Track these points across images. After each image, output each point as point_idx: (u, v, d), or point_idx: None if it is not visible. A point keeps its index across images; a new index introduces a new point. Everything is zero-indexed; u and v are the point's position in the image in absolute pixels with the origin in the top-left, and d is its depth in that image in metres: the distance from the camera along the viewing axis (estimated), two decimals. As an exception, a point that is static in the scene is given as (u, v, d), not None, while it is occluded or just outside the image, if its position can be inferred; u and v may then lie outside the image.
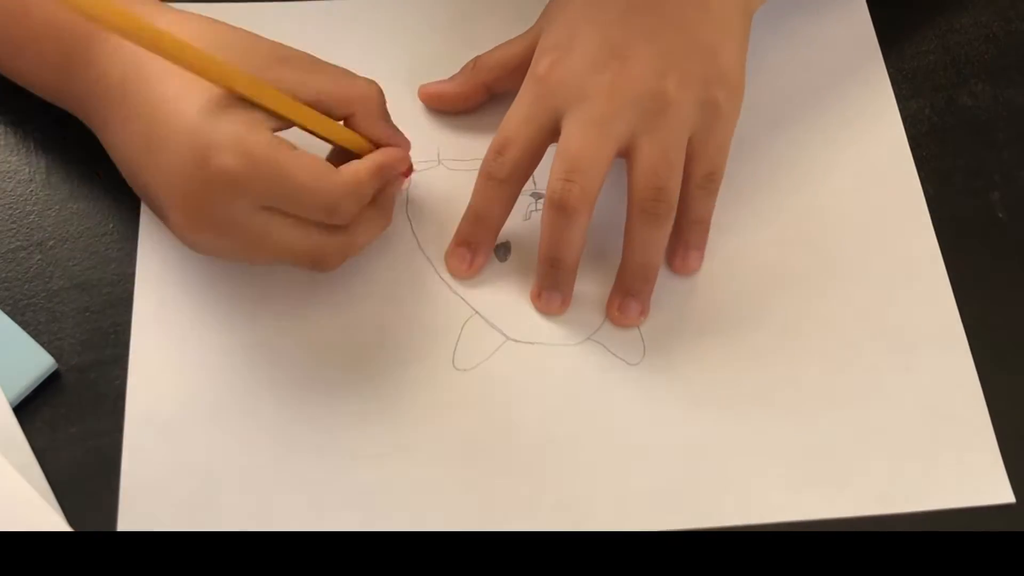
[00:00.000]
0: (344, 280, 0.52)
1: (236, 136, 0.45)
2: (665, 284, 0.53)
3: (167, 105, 0.46)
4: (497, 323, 0.52)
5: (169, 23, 0.46)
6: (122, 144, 0.48)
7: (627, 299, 0.51)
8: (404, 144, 0.51)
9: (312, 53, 0.48)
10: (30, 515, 0.45)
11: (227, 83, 0.45)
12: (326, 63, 0.49)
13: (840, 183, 0.56)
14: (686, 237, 0.52)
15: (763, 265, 0.54)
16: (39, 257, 0.52)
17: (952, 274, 0.54)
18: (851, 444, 0.50)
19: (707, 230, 0.52)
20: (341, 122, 0.49)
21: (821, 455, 0.50)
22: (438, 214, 0.54)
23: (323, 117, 0.48)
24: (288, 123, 0.47)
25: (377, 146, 0.50)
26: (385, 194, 0.50)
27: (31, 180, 0.54)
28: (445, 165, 0.55)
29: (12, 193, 0.53)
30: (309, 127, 0.48)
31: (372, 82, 0.50)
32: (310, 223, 0.47)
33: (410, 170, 0.52)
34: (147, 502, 0.47)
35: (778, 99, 0.58)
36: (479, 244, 0.52)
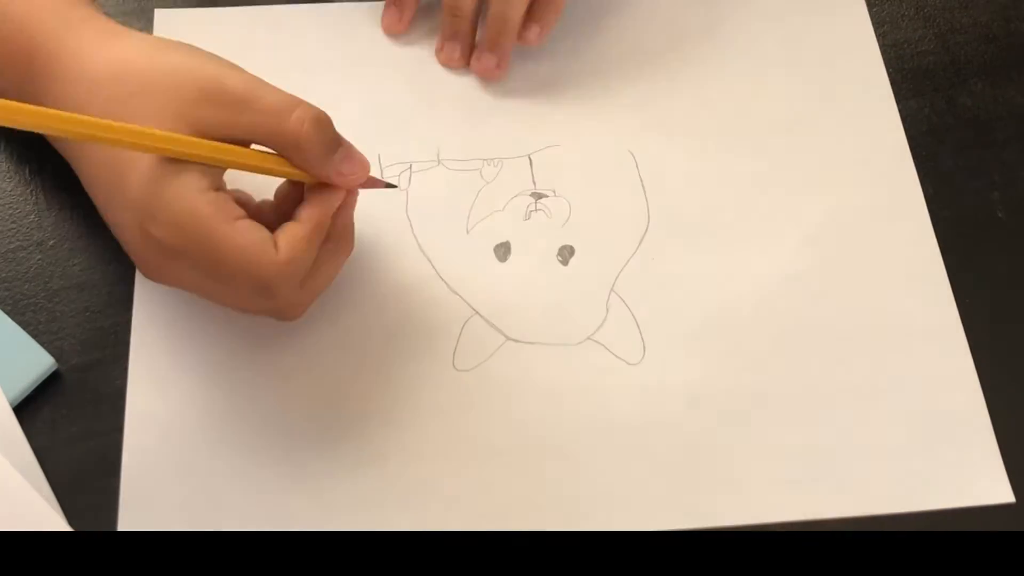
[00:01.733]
0: (344, 280, 0.52)
1: (172, 208, 0.43)
2: (665, 284, 0.53)
3: (109, 167, 0.45)
4: (497, 323, 0.52)
5: (93, 41, 0.45)
6: (88, 183, 0.48)
7: (484, 52, 0.56)
8: (350, 182, 0.46)
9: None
10: (30, 515, 0.45)
11: (153, 150, 0.43)
12: (266, 92, 0.44)
13: (840, 183, 0.56)
14: (537, 14, 0.56)
15: (763, 265, 0.54)
16: (39, 257, 0.52)
17: (952, 274, 0.54)
18: (851, 444, 0.50)
19: (556, 12, 0.56)
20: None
21: (821, 455, 0.50)
22: (438, 214, 0.54)
23: (260, 154, 0.45)
24: (224, 168, 0.45)
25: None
26: (340, 224, 0.47)
27: (31, 180, 0.54)
28: (445, 165, 0.55)
29: (12, 193, 0.53)
30: (249, 168, 0.45)
31: (309, 116, 0.44)
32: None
33: (372, 182, 0.49)
34: (147, 502, 0.47)
35: (778, 99, 0.58)
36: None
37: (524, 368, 0.51)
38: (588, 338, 0.52)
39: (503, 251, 0.53)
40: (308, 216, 0.46)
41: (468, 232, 0.54)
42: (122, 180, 0.44)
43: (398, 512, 0.48)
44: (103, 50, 0.46)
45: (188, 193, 0.43)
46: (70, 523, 0.46)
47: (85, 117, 0.42)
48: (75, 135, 0.42)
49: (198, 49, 0.46)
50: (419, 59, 0.58)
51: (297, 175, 0.46)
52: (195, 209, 0.43)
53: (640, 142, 0.56)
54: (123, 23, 0.48)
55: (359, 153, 0.47)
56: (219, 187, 0.45)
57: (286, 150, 0.45)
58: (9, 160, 0.54)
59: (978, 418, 0.51)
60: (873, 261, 0.54)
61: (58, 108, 0.42)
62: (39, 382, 0.49)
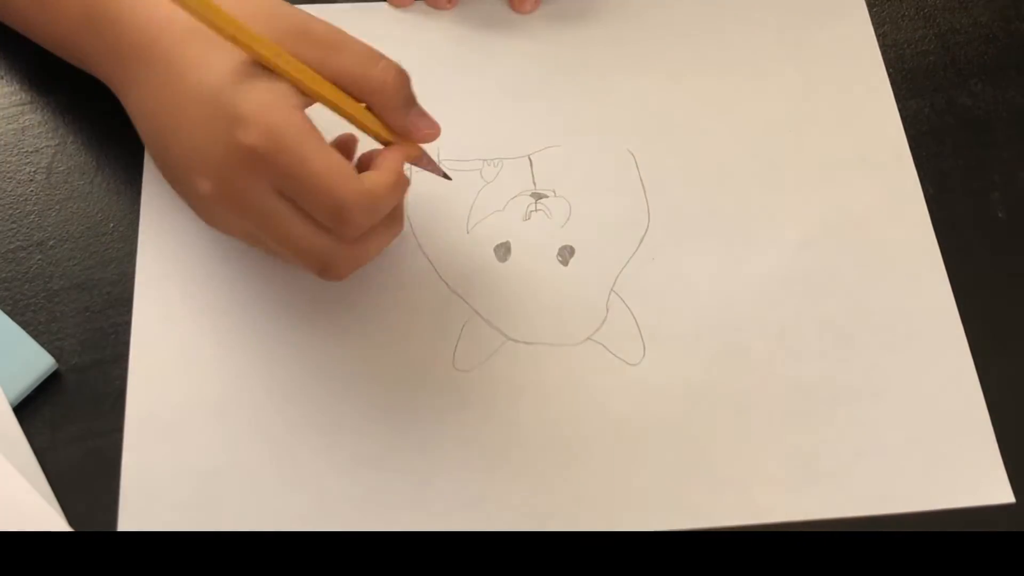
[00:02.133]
0: (344, 281, 0.52)
1: (263, 111, 0.43)
2: (665, 284, 0.53)
3: (191, 70, 0.44)
4: (497, 323, 0.52)
5: None
6: (144, 106, 0.47)
7: None
8: (425, 136, 0.48)
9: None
10: (30, 515, 0.45)
11: (255, 50, 0.43)
12: (351, 40, 0.46)
13: (840, 183, 0.56)
14: None
15: (763, 265, 0.54)
16: (39, 257, 0.52)
17: (952, 274, 0.54)
18: (851, 444, 0.50)
19: None
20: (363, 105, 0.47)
21: (821, 455, 0.50)
22: (438, 214, 0.54)
23: (346, 97, 0.46)
24: (310, 100, 0.45)
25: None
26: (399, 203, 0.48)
27: (31, 180, 0.54)
28: (445, 165, 0.55)
29: (12, 193, 0.53)
30: (331, 106, 0.46)
31: (393, 67, 0.46)
32: (321, 225, 0.45)
33: (428, 164, 0.50)
34: (147, 502, 0.47)
35: (778, 99, 0.58)
36: None
37: (524, 368, 0.51)
38: (588, 338, 0.52)
39: (503, 251, 0.53)
40: (390, 165, 0.46)
41: (468, 232, 0.54)
42: (198, 78, 0.44)
43: (398, 512, 0.48)
44: None
45: (283, 102, 0.43)
46: (70, 523, 0.46)
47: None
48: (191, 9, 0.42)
49: None
50: (419, 60, 0.57)
51: (375, 127, 0.47)
52: (289, 117, 0.43)
53: (640, 142, 0.56)
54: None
55: (430, 115, 0.48)
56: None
57: (370, 95, 0.46)
58: (10, 160, 0.54)
59: (978, 418, 0.51)
60: (873, 261, 0.54)
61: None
62: (39, 382, 0.49)
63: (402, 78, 0.46)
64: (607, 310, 0.52)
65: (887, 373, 0.51)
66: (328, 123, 0.46)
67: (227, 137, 0.43)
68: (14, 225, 0.52)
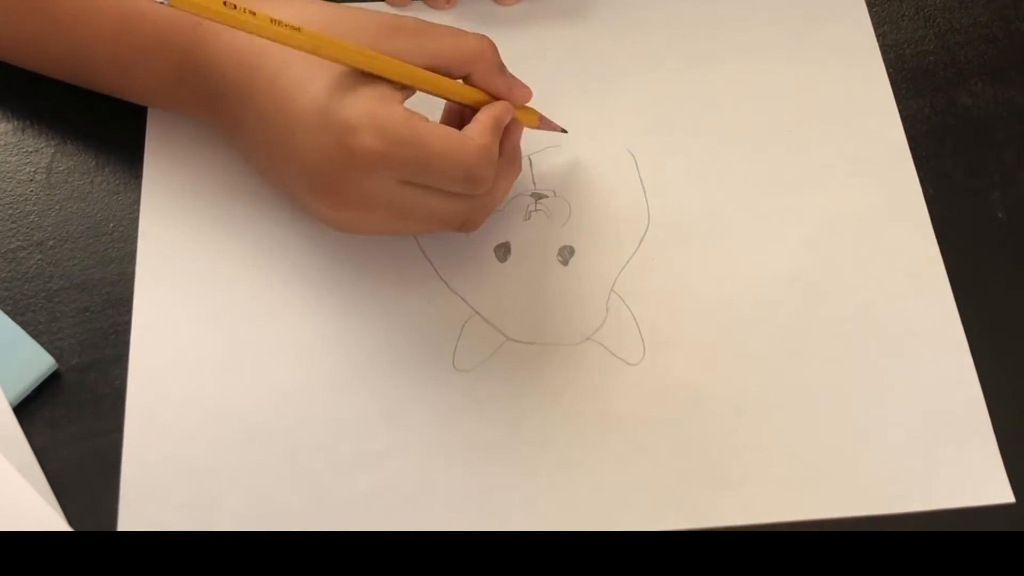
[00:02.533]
0: (344, 281, 0.52)
1: (371, 114, 0.45)
2: (665, 284, 0.53)
3: (295, 92, 0.46)
4: (497, 323, 0.52)
5: (274, 10, 0.45)
6: (253, 139, 0.49)
7: None
8: (524, 93, 0.51)
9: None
10: (30, 515, 0.45)
11: (347, 61, 0.45)
12: (435, 25, 0.49)
13: (840, 183, 0.56)
14: None
15: (763, 265, 0.54)
16: (39, 257, 0.52)
17: (952, 274, 0.54)
18: (851, 444, 0.50)
19: None
20: (459, 81, 0.49)
21: (821, 455, 0.50)
22: (438, 214, 0.54)
23: (444, 79, 0.48)
24: (412, 90, 0.48)
25: (496, 100, 0.50)
26: (511, 143, 0.50)
27: (31, 180, 0.54)
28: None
29: (12, 193, 0.53)
30: (431, 90, 0.48)
31: (483, 37, 0.49)
32: (451, 192, 0.47)
33: (547, 124, 0.53)
34: (147, 502, 0.47)
35: (778, 99, 0.58)
36: None
37: (524, 368, 0.51)
38: (588, 338, 0.52)
39: (503, 251, 0.53)
40: (486, 116, 0.48)
41: (468, 232, 0.54)
42: (304, 98, 0.46)
43: (398, 512, 0.48)
44: (278, 9, 0.45)
45: (386, 98, 0.46)
46: (70, 523, 0.46)
47: (298, 29, 0.44)
48: (283, 39, 0.43)
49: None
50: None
51: (472, 95, 0.49)
52: (393, 112, 0.45)
53: (640, 142, 0.56)
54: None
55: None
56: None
57: (469, 65, 0.49)
58: (10, 160, 0.54)
59: (978, 418, 0.51)
60: (873, 261, 0.54)
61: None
62: (39, 382, 0.49)
63: (493, 45, 0.50)
64: (607, 310, 0.52)
65: (887, 373, 0.51)
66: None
67: (342, 148, 0.45)
68: (14, 225, 0.52)
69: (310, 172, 0.47)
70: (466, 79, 0.49)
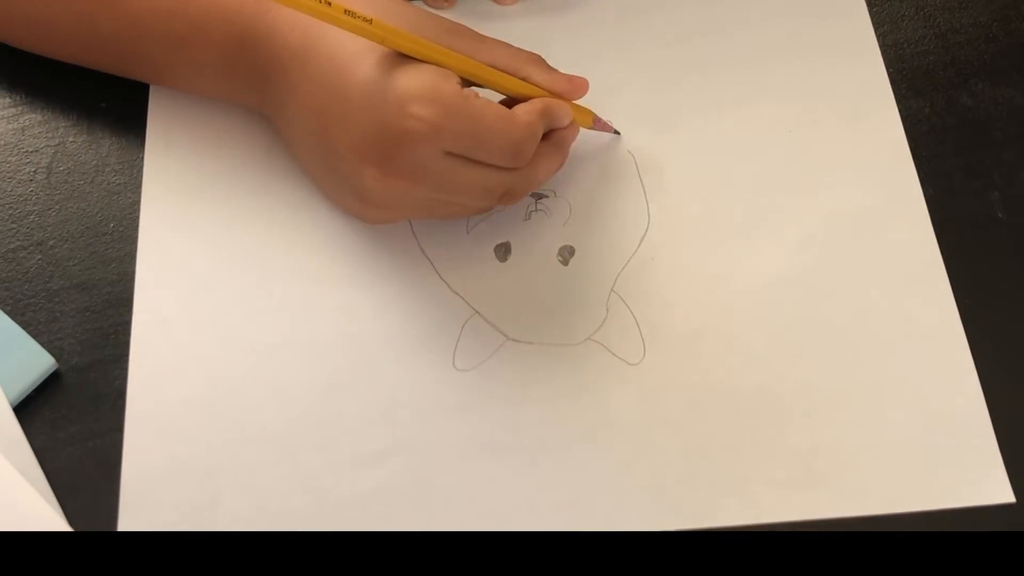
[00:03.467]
0: (344, 280, 0.52)
1: (429, 85, 0.46)
2: (665, 284, 0.53)
3: (355, 60, 0.47)
4: (497, 323, 0.52)
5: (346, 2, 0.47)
6: (306, 107, 0.49)
7: None
8: (582, 84, 0.52)
9: None
10: (30, 515, 0.45)
11: (415, 54, 0.47)
12: (490, 37, 0.51)
13: (840, 183, 0.56)
14: None
15: (763, 265, 0.54)
16: (39, 257, 0.52)
17: (952, 274, 0.54)
18: (851, 444, 0.50)
19: None
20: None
21: (821, 455, 0.50)
22: (438, 214, 0.54)
23: (505, 75, 0.50)
24: (469, 82, 0.49)
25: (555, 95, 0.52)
26: (561, 134, 0.52)
27: (31, 180, 0.54)
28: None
29: (12, 193, 0.53)
30: (492, 85, 0.50)
31: (533, 52, 0.52)
32: (492, 165, 0.49)
33: (600, 124, 0.55)
34: (147, 502, 0.47)
35: (778, 99, 0.58)
36: None
37: (524, 368, 0.51)
38: (588, 338, 0.52)
39: (503, 251, 0.53)
40: (537, 100, 0.50)
41: (468, 232, 0.54)
42: (363, 67, 0.47)
43: (398, 512, 0.48)
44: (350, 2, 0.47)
45: (444, 75, 0.47)
46: (70, 523, 0.46)
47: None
48: (349, 25, 0.45)
49: None
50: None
51: (530, 91, 0.51)
52: (452, 87, 0.47)
53: (640, 142, 0.56)
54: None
55: None
56: None
57: (523, 70, 0.51)
58: (10, 160, 0.54)
59: (978, 418, 0.51)
60: (873, 261, 0.54)
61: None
62: (39, 382, 0.49)
63: (542, 59, 0.52)
64: (607, 310, 0.52)
65: (887, 373, 0.51)
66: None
67: (397, 115, 0.46)
68: (14, 225, 0.52)
69: (362, 138, 0.47)
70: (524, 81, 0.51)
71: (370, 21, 0.45)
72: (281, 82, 0.50)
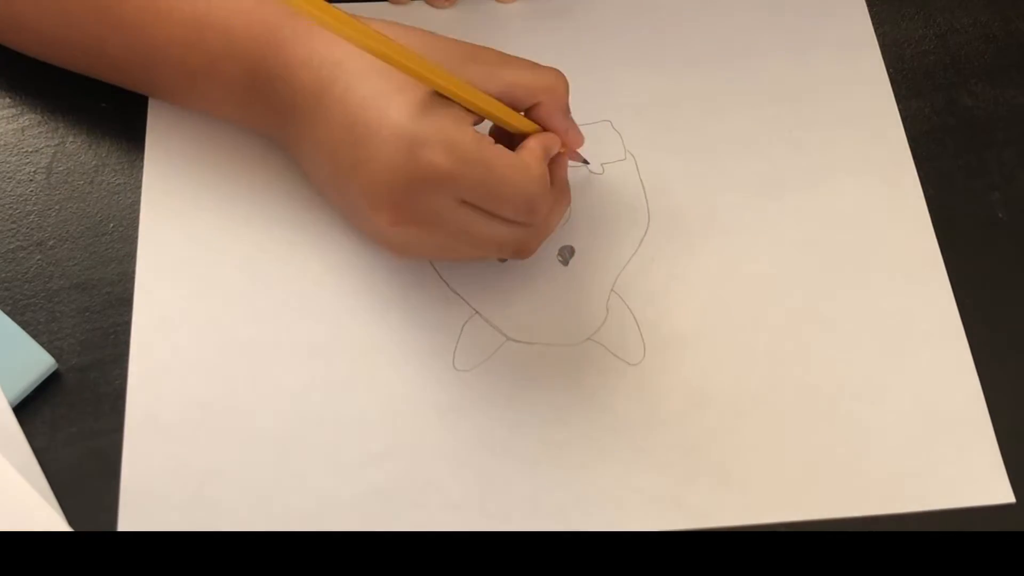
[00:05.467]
0: (344, 281, 0.52)
1: (444, 133, 0.45)
2: (665, 284, 0.53)
3: (370, 104, 0.46)
4: (497, 323, 0.52)
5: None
6: (320, 150, 0.49)
7: None
8: (578, 139, 0.52)
9: None
10: (30, 515, 0.45)
11: (427, 78, 0.45)
12: (513, 56, 0.49)
13: (840, 183, 0.56)
14: None
15: (763, 265, 0.54)
16: (39, 257, 0.52)
17: (952, 274, 0.54)
18: (851, 444, 0.50)
19: None
20: (522, 113, 0.50)
21: (821, 455, 0.50)
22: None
23: (504, 107, 0.48)
24: (478, 118, 0.48)
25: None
26: (559, 177, 0.51)
27: (31, 180, 0.54)
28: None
29: (12, 193, 0.53)
30: (489, 115, 0.48)
31: (559, 72, 0.50)
32: (507, 219, 0.48)
33: (573, 155, 0.53)
34: (147, 502, 0.47)
35: (778, 99, 0.58)
36: None
37: (524, 368, 0.51)
38: (588, 338, 0.52)
39: (503, 251, 0.53)
40: (536, 143, 0.49)
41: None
42: (378, 112, 0.46)
43: (398, 512, 0.48)
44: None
45: (460, 121, 0.46)
46: (70, 523, 0.46)
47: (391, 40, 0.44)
48: (373, 50, 0.44)
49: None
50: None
51: (526, 127, 0.49)
52: (466, 133, 0.46)
53: (640, 142, 0.56)
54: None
55: None
56: None
57: (540, 94, 0.49)
58: (10, 160, 0.54)
59: (978, 418, 0.51)
60: (873, 261, 0.54)
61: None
62: (39, 382, 0.49)
63: (566, 82, 0.50)
64: (607, 310, 0.52)
65: (887, 373, 0.51)
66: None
67: (411, 163, 0.45)
68: (14, 225, 0.52)
69: (375, 185, 0.47)
70: (532, 109, 0.49)
71: (388, 43, 0.44)
72: (293, 124, 0.49)
